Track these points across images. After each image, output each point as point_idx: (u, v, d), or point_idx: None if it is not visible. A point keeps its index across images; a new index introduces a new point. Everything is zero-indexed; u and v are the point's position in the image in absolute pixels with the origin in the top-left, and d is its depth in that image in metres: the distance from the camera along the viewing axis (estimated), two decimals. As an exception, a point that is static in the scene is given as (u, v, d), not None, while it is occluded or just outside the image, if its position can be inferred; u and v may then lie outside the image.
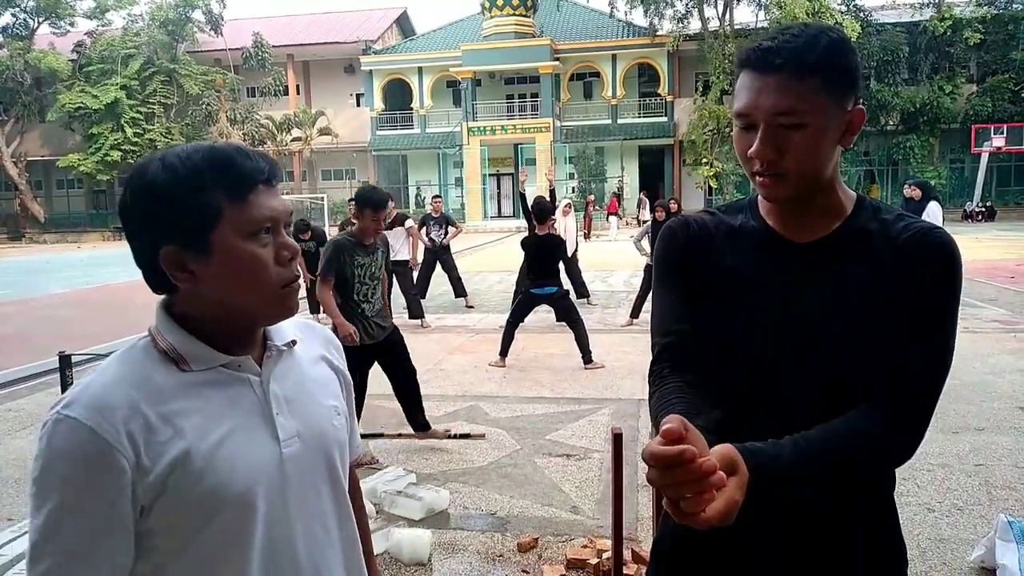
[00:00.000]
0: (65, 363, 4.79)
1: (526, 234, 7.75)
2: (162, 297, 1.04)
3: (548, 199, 9.90)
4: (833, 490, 1.17)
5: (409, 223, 9.88)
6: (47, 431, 0.92)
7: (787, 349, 1.18)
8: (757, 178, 1.17)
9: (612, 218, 27.29)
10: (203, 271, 0.97)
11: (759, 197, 1.26)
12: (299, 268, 1.07)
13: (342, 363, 1.23)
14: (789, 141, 1.12)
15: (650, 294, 6.04)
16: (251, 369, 1.04)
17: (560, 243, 7.51)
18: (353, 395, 1.28)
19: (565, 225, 10.62)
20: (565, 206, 11.23)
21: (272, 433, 1.04)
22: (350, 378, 1.25)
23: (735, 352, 1.21)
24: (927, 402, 1.15)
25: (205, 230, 0.96)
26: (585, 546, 3.42)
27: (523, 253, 7.66)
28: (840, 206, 1.22)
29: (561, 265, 7.72)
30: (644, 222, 25.06)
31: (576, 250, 11.26)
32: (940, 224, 7.97)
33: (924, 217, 9.60)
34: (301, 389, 1.10)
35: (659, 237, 1.33)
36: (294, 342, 1.11)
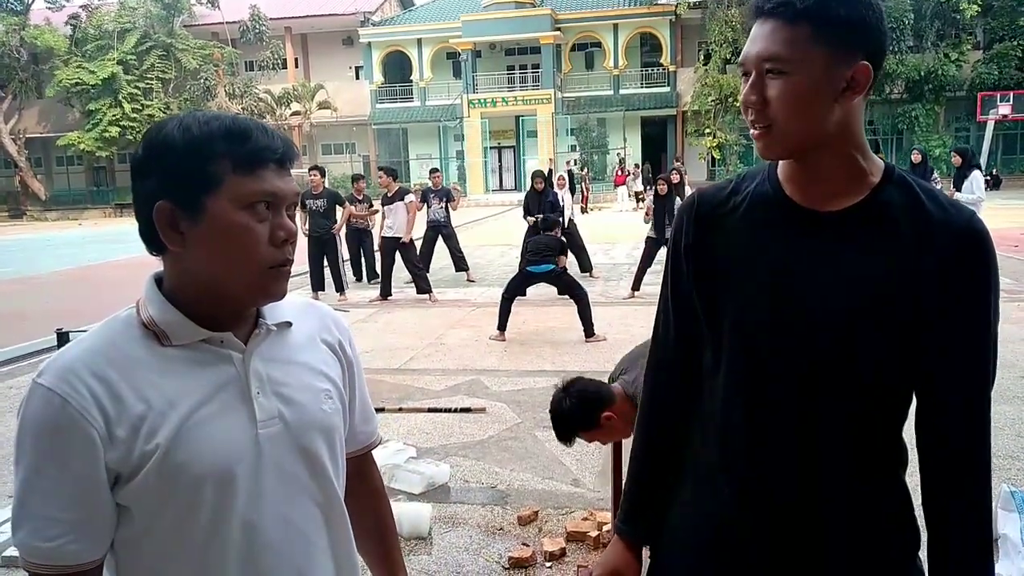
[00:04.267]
0: (63, 340, 4.78)
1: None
2: (154, 271, 1.04)
3: (546, 173, 9.93)
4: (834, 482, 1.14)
5: (409, 197, 9.83)
6: (24, 398, 0.95)
7: (795, 325, 1.12)
8: (752, 131, 1.12)
9: (620, 189, 27.09)
10: (192, 234, 0.97)
11: (780, 161, 1.19)
12: (292, 254, 1.04)
13: (348, 346, 1.19)
14: (773, 88, 1.07)
15: (650, 266, 6.00)
16: (234, 346, 1.02)
17: (559, 241, 7.59)
18: (362, 379, 1.24)
19: (561, 196, 10.59)
20: (559, 178, 11.24)
21: (250, 413, 1.01)
22: (357, 361, 1.21)
23: (741, 328, 1.17)
24: (980, 442, 1.12)
25: (201, 192, 0.95)
26: (585, 519, 3.42)
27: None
28: (863, 175, 1.13)
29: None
30: (639, 195, 24.97)
31: (572, 221, 11.22)
32: (983, 194, 7.84)
33: (967, 185, 9.55)
34: (290, 370, 1.07)
35: (674, 223, 1.28)
36: (289, 324, 1.09)
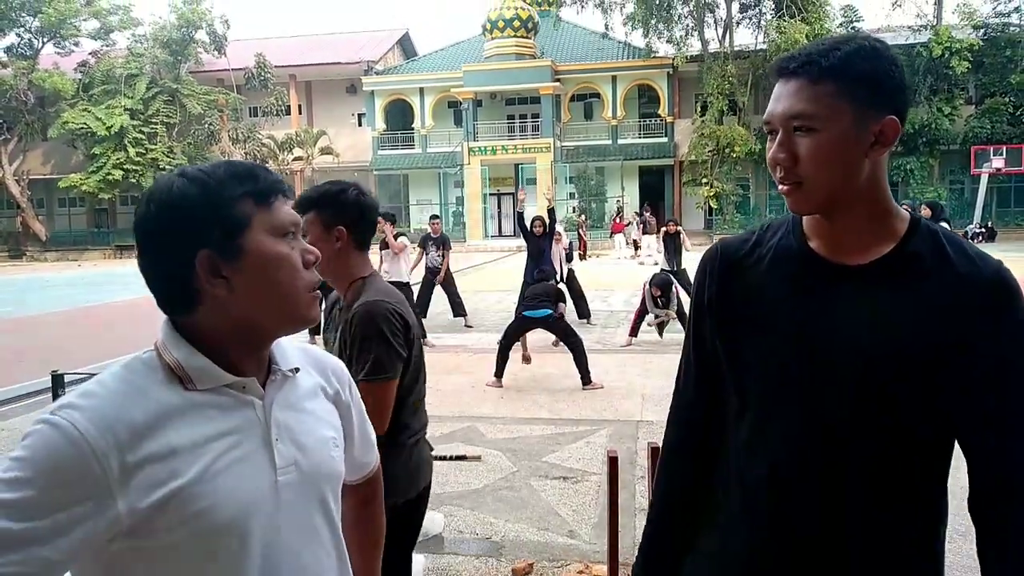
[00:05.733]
0: (58, 382, 4.75)
1: (525, 255, 7.94)
2: (167, 316, 1.03)
3: (548, 219, 9.92)
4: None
5: (403, 240, 9.84)
6: (38, 427, 0.90)
7: (829, 381, 1.12)
8: (781, 188, 1.13)
9: (617, 237, 27.20)
10: (237, 274, 0.98)
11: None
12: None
13: (343, 390, 1.21)
14: (802, 146, 1.09)
15: (647, 313, 6.01)
16: (255, 392, 1.03)
17: (557, 291, 7.62)
18: (363, 413, 1.27)
19: (555, 253, 10.46)
20: (556, 236, 10.84)
21: (270, 459, 1.02)
22: (349, 402, 1.23)
23: (766, 380, 1.17)
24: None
25: (236, 233, 0.98)
26: (581, 572, 3.36)
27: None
28: (892, 228, 1.14)
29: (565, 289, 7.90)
30: (637, 242, 25.06)
31: (571, 269, 11.24)
32: None
33: None
34: (301, 418, 1.09)
35: (696, 275, 1.30)
36: (297, 369, 1.11)
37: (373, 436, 1.32)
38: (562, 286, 9.08)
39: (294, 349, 1.14)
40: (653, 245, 24.08)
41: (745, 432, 1.19)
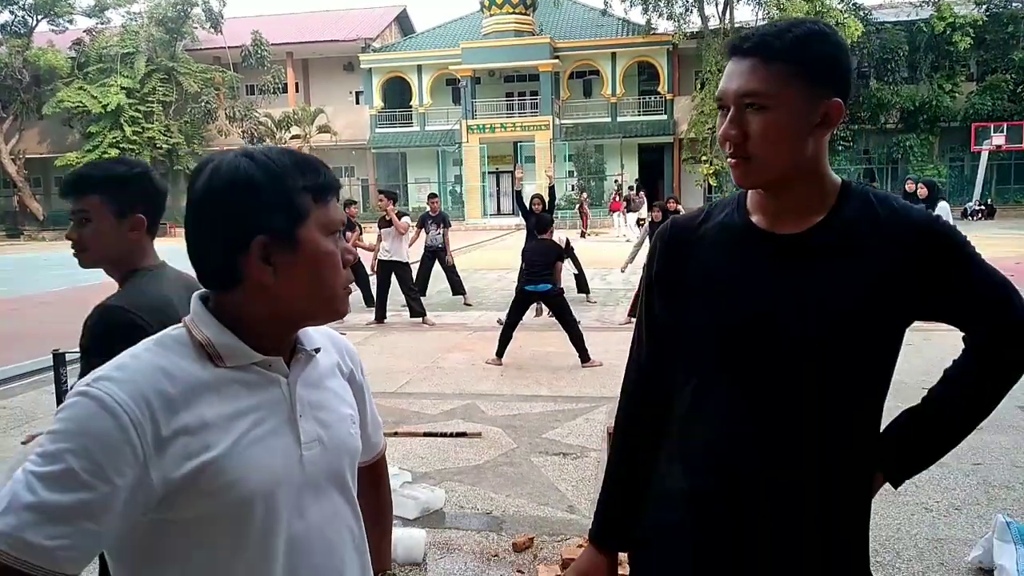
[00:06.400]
0: (59, 361, 4.76)
1: (525, 233, 7.87)
2: (197, 292, 1.07)
3: (548, 197, 9.90)
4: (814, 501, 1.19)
5: (404, 220, 9.79)
6: (73, 399, 0.92)
7: (767, 345, 1.18)
8: (729, 161, 1.19)
9: (616, 215, 27.08)
10: (286, 265, 1.01)
11: (749, 192, 1.27)
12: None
13: (356, 370, 1.26)
14: (753, 123, 1.13)
15: None
16: (281, 370, 1.06)
17: (559, 248, 7.53)
18: (371, 396, 1.31)
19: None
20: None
21: (295, 435, 1.05)
22: (366, 383, 1.29)
23: (721, 349, 1.23)
24: (1012, 302, 1.21)
25: (295, 224, 1.01)
26: (580, 546, 3.39)
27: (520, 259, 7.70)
28: (826, 197, 1.20)
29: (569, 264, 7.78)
30: (640, 221, 24.98)
31: (570, 245, 11.23)
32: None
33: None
34: (322, 396, 1.13)
35: (648, 250, 1.38)
36: (319, 349, 1.14)
37: (378, 417, 1.36)
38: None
39: (315, 329, 1.17)
40: (632, 222, 24.15)
41: (688, 397, 1.26)
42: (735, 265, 1.22)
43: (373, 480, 1.36)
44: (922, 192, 10.05)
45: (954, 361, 1.29)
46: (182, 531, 0.97)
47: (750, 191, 1.25)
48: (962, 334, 1.28)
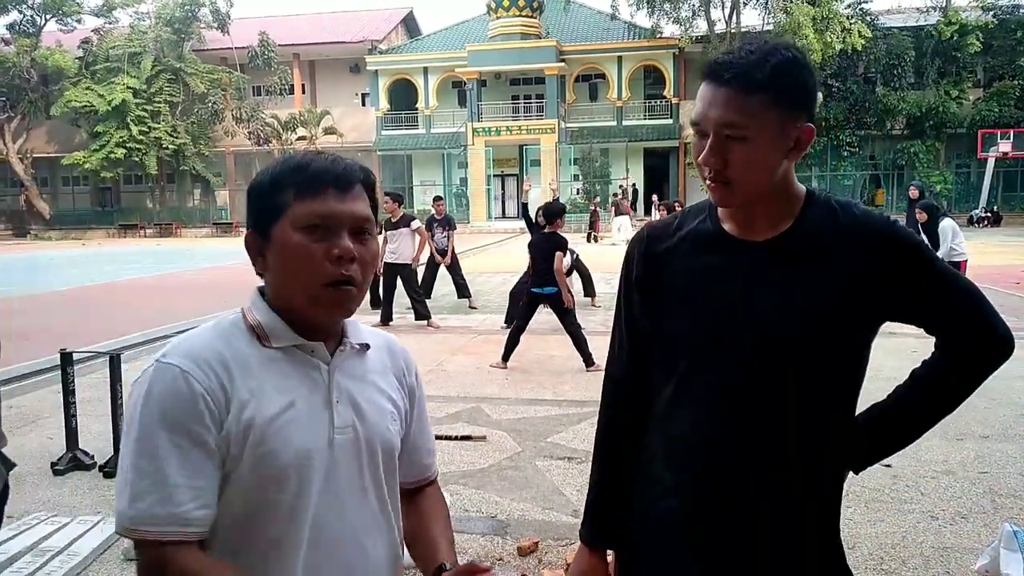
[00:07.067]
0: (66, 360, 4.79)
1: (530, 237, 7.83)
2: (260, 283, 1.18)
3: (553, 198, 9.92)
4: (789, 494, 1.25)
5: (416, 223, 9.84)
6: (147, 375, 1.05)
7: (743, 348, 1.23)
8: (708, 183, 1.23)
9: (616, 219, 26.90)
10: (269, 257, 1.11)
11: None
12: (354, 272, 1.10)
13: (409, 374, 1.30)
14: (733, 152, 1.17)
15: None
16: (323, 356, 1.14)
17: (562, 240, 7.46)
18: (426, 415, 1.34)
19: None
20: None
21: (329, 418, 1.12)
22: (413, 386, 1.31)
23: (696, 354, 1.28)
24: (978, 307, 1.25)
25: (271, 220, 1.09)
26: (585, 550, 3.40)
27: (528, 256, 7.67)
28: (792, 206, 1.26)
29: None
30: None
31: (576, 254, 11.23)
32: (953, 239, 7.93)
33: (940, 239, 8.99)
34: (364, 388, 1.18)
35: (625, 254, 1.42)
36: (368, 346, 1.21)
37: (433, 442, 1.39)
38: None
39: (370, 330, 1.25)
40: (617, 224, 24.16)
41: (668, 398, 1.31)
42: (710, 271, 1.27)
43: (433, 499, 1.35)
44: (921, 216, 9.62)
45: (924, 361, 1.33)
46: (238, 481, 1.06)
47: None
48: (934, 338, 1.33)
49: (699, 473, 1.27)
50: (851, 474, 1.35)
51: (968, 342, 1.26)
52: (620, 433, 1.42)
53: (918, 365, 1.34)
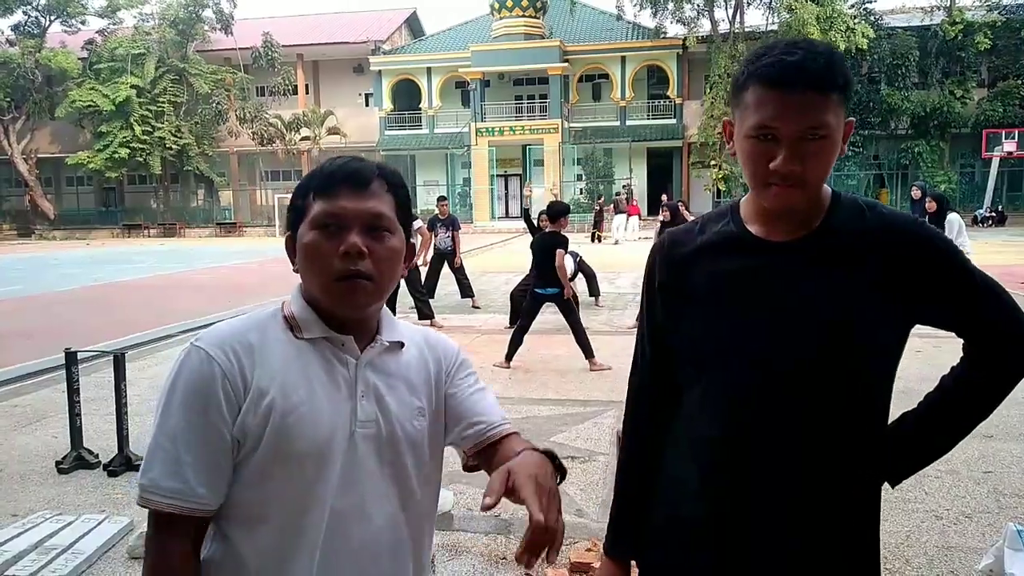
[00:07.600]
0: (71, 359, 4.80)
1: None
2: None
3: (554, 199, 9.93)
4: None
5: (417, 223, 9.85)
6: (180, 357, 1.12)
7: (771, 349, 1.21)
8: (771, 188, 1.18)
9: (628, 218, 26.67)
10: (297, 256, 1.17)
11: (742, 202, 1.31)
12: (364, 267, 1.12)
13: (451, 367, 1.28)
14: (811, 152, 1.15)
15: None
16: (352, 351, 1.17)
17: (563, 238, 7.48)
18: (471, 383, 1.30)
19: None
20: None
21: (352, 411, 1.15)
22: (467, 378, 1.31)
23: (725, 356, 1.25)
24: (1013, 315, 1.23)
25: (298, 222, 1.16)
26: (589, 549, 3.40)
27: (531, 256, 7.70)
28: (819, 207, 1.25)
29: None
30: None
31: (579, 256, 11.25)
32: (958, 235, 7.89)
33: (946, 231, 9.02)
34: (392, 384, 1.19)
35: (647, 261, 1.40)
36: (402, 344, 1.22)
37: (495, 404, 1.30)
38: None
39: (408, 327, 1.28)
40: (617, 223, 24.34)
41: (695, 402, 1.29)
42: (736, 273, 1.25)
43: (514, 440, 1.22)
44: (931, 206, 9.68)
45: (952, 368, 1.31)
46: (239, 479, 1.11)
47: (743, 200, 1.30)
48: (962, 341, 1.30)
49: (725, 476, 1.24)
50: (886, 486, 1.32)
51: (1006, 349, 1.24)
52: (644, 444, 1.40)
53: (944, 371, 1.31)
